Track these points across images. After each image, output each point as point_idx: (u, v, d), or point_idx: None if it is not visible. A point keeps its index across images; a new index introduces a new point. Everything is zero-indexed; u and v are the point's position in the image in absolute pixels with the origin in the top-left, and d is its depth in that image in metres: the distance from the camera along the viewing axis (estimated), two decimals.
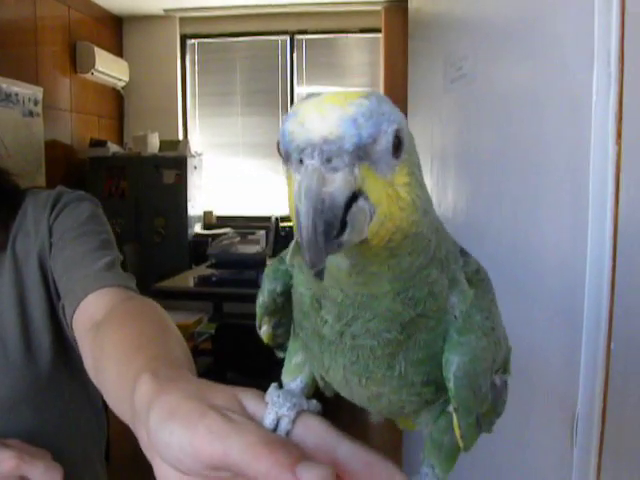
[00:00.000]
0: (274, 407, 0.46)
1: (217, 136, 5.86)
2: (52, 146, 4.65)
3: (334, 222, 0.34)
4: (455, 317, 0.45)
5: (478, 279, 0.47)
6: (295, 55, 5.72)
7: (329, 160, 0.34)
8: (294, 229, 0.36)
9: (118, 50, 5.72)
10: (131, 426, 0.52)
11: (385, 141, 0.36)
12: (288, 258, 0.50)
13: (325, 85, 5.68)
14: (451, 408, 0.46)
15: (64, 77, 4.89)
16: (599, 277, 0.88)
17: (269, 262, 0.53)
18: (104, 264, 0.95)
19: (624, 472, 0.86)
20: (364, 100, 0.36)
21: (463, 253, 0.48)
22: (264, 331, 0.54)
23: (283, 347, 0.56)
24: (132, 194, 4.97)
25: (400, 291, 0.42)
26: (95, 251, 0.97)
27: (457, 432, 0.46)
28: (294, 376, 0.53)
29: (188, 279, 3.92)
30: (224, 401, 0.45)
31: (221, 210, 5.81)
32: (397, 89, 4.81)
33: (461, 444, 0.47)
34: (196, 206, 5.28)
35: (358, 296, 0.42)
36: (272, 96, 5.74)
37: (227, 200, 5.84)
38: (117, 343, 0.72)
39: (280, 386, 0.51)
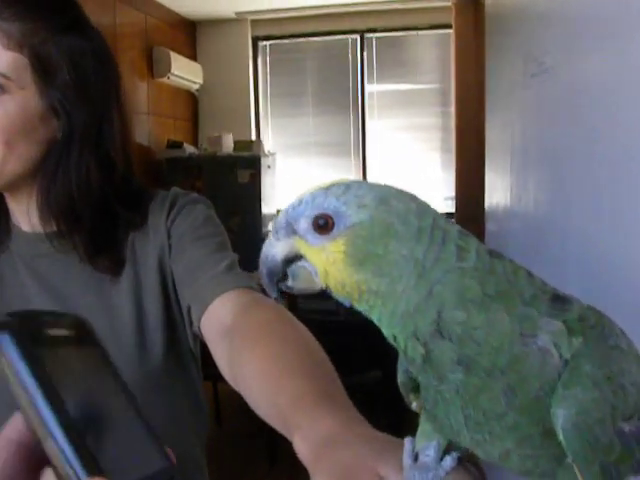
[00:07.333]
0: None
1: (289, 136, 5.94)
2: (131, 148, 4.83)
3: (274, 270, 0.51)
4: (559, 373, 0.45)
5: (585, 326, 0.46)
6: (365, 53, 5.72)
7: (276, 232, 0.51)
8: None
9: (192, 54, 5.88)
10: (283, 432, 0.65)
11: (304, 223, 0.49)
12: None
13: (396, 83, 5.67)
14: (571, 460, 0.45)
15: (142, 82, 5.06)
16: None
17: None
18: (225, 266, 0.98)
19: None
20: (317, 191, 0.49)
21: (560, 300, 0.47)
22: (414, 407, 0.56)
23: None
24: (207, 194, 5.05)
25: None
26: (214, 253, 1.01)
27: None
28: (430, 439, 0.53)
29: None
30: None
31: None
32: (468, 85, 4.76)
33: None
34: (270, 205, 5.34)
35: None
36: (343, 95, 5.77)
37: None
38: (257, 359, 0.79)
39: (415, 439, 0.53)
